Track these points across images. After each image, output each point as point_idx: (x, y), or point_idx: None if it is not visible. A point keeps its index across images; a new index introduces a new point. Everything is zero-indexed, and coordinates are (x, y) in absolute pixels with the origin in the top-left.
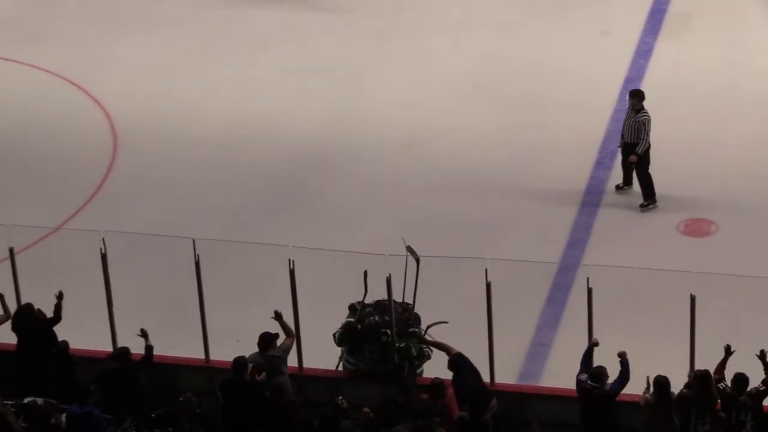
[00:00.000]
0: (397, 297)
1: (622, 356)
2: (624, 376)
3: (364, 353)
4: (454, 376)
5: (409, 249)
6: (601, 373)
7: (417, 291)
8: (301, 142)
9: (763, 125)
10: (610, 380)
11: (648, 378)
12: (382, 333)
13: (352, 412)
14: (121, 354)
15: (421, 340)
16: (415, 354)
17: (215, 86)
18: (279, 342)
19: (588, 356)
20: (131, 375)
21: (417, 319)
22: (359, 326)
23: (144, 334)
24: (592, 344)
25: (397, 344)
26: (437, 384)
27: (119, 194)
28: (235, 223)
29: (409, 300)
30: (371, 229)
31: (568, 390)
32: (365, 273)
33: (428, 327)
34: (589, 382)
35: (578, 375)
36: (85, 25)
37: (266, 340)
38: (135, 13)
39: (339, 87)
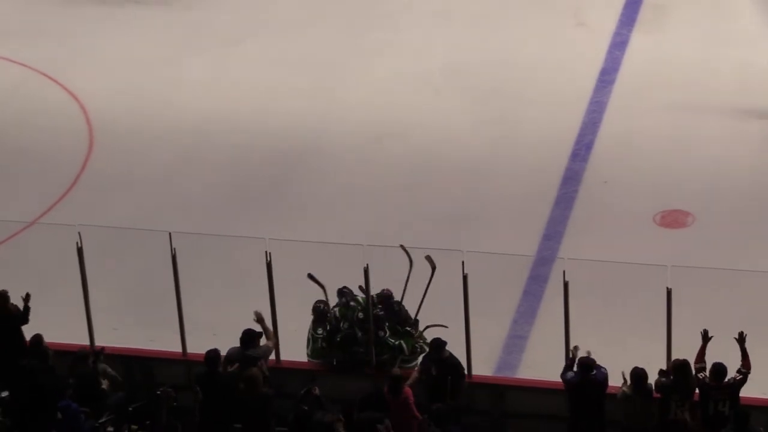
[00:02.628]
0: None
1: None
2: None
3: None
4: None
5: (403, 248)
6: (590, 363)
7: (406, 291)
8: (275, 136)
9: (739, 116)
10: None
11: (623, 373)
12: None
13: (327, 403)
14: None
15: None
16: (406, 353)
17: (190, 80)
18: (262, 342)
19: (570, 364)
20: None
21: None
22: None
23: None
24: (574, 353)
25: (392, 341)
26: (396, 377)
27: (95, 188)
28: (211, 217)
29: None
30: (347, 222)
31: (546, 382)
32: (310, 275)
33: (426, 328)
34: (578, 373)
35: (564, 375)
36: (61, 19)
37: (249, 337)
38: (111, 7)
39: (313, 80)
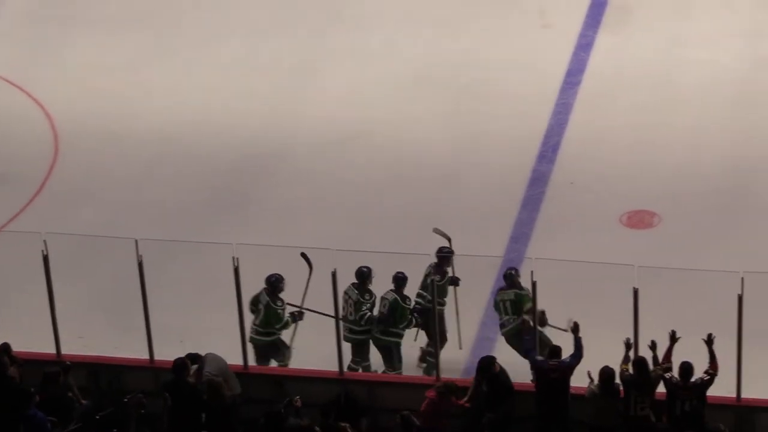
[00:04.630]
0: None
1: (575, 331)
2: (578, 352)
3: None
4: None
5: (438, 231)
6: (557, 349)
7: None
8: (243, 139)
9: (704, 116)
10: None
11: (589, 373)
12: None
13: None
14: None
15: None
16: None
17: (157, 84)
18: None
19: (530, 342)
20: None
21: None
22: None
23: None
24: (527, 327)
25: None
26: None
27: (61, 195)
28: (179, 223)
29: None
30: (315, 224)
31: (516, 384)
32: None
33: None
34: (546, 360)
35: (528, 356)
36: (25, 25)
37: (179, 367)
38: (75, 12)
39: (281, 83)
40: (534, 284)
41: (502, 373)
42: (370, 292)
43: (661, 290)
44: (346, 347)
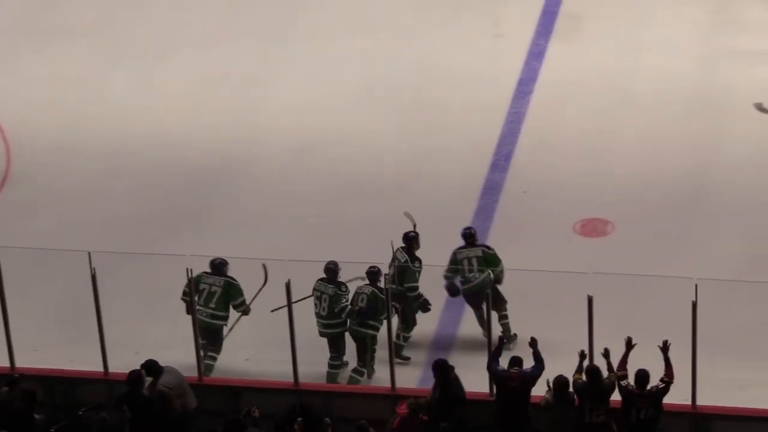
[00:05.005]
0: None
1: (534, 345)
2: (539, 363)
3: None
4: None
5: (407, 215)
6: (519, 359)
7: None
8: (197, 151)
9: (656, 124)
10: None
11: (548, 381)
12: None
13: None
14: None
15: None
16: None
17: (112, 97)
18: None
19: (497, 352)
20: None
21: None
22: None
23: None
24: (501, 341)
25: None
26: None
27: (13, 208)
28: (133, 234)
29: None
30: (269, 236)
31: (473, 393)
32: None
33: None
34: (508, 368)
35: (491, 367)
36: None
37: (133, 379)
38: (30, 24)
39: (235, 94)
40: (487, 295)
41: (456, 380)
42: (345, 285)
43: (616, 297)
44: (307, 354)
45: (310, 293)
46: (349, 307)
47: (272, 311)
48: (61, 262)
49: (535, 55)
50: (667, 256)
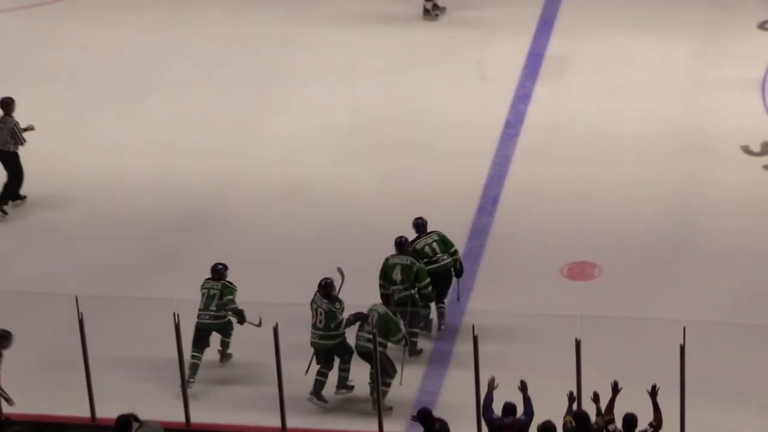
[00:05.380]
0: None
1: (524, 390)
2: (529, 409)
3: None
4: None
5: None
6: (512, 406)
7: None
8: (182, 194)
9: (642, 166)
10: None
11: (537, 426)
12: None
13: None
14: None
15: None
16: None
17: (95, 140)
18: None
19: (490, 398)
20: None
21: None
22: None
23: None
24: (491, 386)
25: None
26: None
27: (4, 248)
28: (119, 278)
29: None
30: (256, 280)
31: None
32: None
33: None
34: (502, 417)
35: (486, 416)
36: None
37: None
38: (12, 68)
39: (218, 138)
40: (476, 338)
41: (443, 427)
42: (339, 300)
43: (604, 341)
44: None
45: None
46: (345, 319)
47: (306, 373)
48: (48, 306)
49: (522, 97)
50: (655, 300)
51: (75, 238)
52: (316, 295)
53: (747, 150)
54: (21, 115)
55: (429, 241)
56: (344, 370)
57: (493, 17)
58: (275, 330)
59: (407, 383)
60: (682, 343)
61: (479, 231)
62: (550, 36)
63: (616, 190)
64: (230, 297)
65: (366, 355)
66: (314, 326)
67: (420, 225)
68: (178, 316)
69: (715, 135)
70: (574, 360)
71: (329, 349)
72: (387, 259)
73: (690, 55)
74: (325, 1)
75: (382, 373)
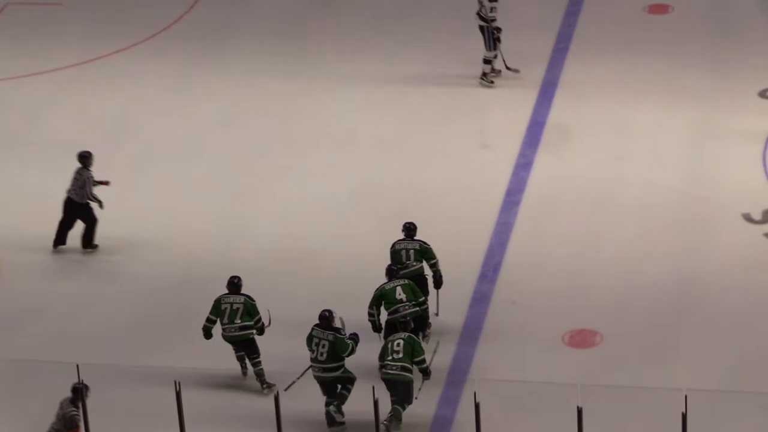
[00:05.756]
0: None
1: None
2: None
3: None
4: None
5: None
6: None
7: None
8: (181, 263)
9: (643, 235)
10: None
11: None
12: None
13: None
14: None
15: None
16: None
17: (95, 208)
18: None
19: None
20: None
21: None
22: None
23: None
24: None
25: None
26: None
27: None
28: (119, 347)
29: None
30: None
31: None
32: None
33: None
34: None
35: None
36: None
37: None
38: (13, 138)
39: (218, 206)
40: (477, 405)
41: None
42: (343, 329)
43: (606, 409)
44: None
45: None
46: (354, 345)
47: (286, 390)
48: (48, 374)
49: (523, 166)
50: (656, 367)
51: (74, 306)
52: (314, 329)
53: (748, 218)
54: (25, 183)
55: (409, 246)
56: (344, 395)
57: (494, 85)
58: (276, 399)
59: None
60: (684, 411)
61: (481, 298)
62: (551, 104)
63: (617, 258)
64: (259, 316)
65: (394, 383)
66: (315, 360)
67: (408, 229)
68: (179, 384)
69: (717, 203)
70: (576, 428)
71: (333, 380)
72: (394, 244)
73: (691, 123)
74: (324, 69)
75: (407, 400)
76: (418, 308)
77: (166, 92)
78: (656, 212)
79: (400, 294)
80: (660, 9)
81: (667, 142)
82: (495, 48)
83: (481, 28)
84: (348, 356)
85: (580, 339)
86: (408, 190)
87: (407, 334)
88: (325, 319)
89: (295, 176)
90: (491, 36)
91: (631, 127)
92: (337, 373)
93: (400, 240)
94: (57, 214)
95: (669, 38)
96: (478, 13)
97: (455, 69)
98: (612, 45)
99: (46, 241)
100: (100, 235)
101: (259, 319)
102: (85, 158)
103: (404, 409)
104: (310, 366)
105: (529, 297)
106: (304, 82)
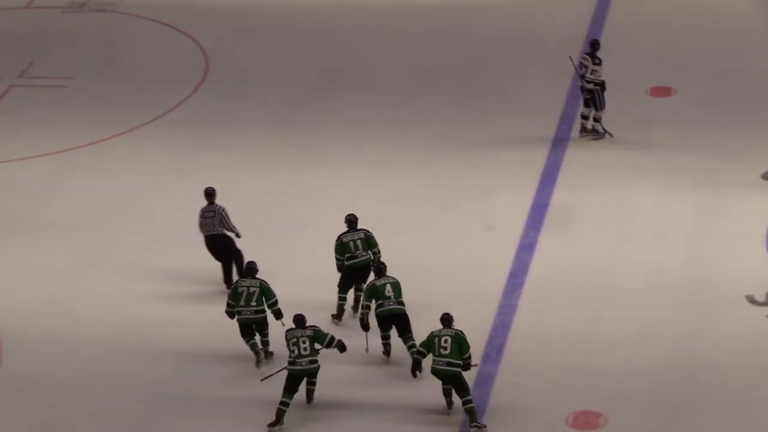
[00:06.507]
0: None
1: None
2: None
3: None
4: None
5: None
6: None
7: None
8: (181, 348)
9: (645, 317)
10: None
11: None
12: None
13: None
14: None
15: None
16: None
17: (100, 292)
18: None
19: None
20: None
21: None
22: None
23: None
24: None
25: None
26: None
27: (5, 398)
28: (122, 428)
29: None
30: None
31: None
32: None
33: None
34: None
35: None
36: None
37: None
38: (19, 219)
39: (217, 292)
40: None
41: None
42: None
43: None
44: None
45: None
46: (328, 335)
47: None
48: None
49: (526, 247)
50: None
51: (77, 387)
52: (289, 332)
53: (752, 300)
54: (30, 265)
55: (355, 237)
56: (313, 385)
57: (496, 167)
58: None
59: None
60: None
61: (484, 380)
62: (554, 186)
63: (620, 340)
64: (275, 299)
65: (447, 378)
66: (299, 356)
67: (351, 221)
68: None
69: (720, 285)
70: None
71: (314, 371)
72: (340, 237)
73: (694, 205)
74: (325, 151)
75: (466, 391)
76: (403, 306)
77: (170, 174)
78: (659, 294)
79: (389, 291)
80: (662, 91)
81: (670, 223)
82: (604, 107)
83: (587, 90)
84: (326, 347)
85: (584, 421)
86: (411, 270)
87: (454, 330)
88: (300, 321)
89: (298, 258)
90: (601, 95)
91: (634, 208)
92: (317, 363)
93: (345, 232)
94: (62, 294)
95: (671, 120)
96: (582, 77)
97: (457, 150)
98: (614, 127)
99: (50, 321)
100: (106, 316)
101: (276, 301)
102: (211, 195)
103: (471, 400)
104: (288, 366)
105: (533, 378)
106: (306, 164)
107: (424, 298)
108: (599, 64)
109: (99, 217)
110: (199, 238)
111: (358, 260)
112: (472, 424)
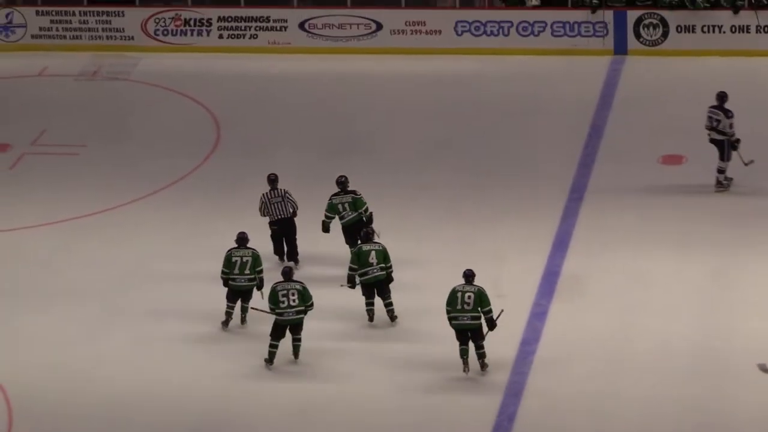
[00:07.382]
0: None
1: None
2: None
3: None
4: None
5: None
6: None
7: None
8: (195, 415)
9: (657, 385)
10: None
11: None
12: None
13: None
14: None
15: None
16: None
17: (107, 356)
18: None
19: None
20: None
21: None
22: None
23: None
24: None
25: None
26: None
27: None
28: None
29: None
30: None
31: None
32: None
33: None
34: None
35: None
36: None
37: None
38: (30, 285)
39: (233, 352)
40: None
41: None
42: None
43: None
44: None
45: None
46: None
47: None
48: None
49: (538, 315)
50: None
51: None
52: (279, 284)
53: (764, 368)
54: (41, 332)
55: (343, 200)
56: (299, 342)
57: (508, 234)
58: None
59: None
60: None
61: None
62: (566, 254)
63: (631, 408)
64: (261, 267)
65: (468, 331)
66: (289, 306)
67: (341, 183)
68: None
69: (731, 354)
70: None
71: (300, 321)
72: (331, 198)
73: (705, 273)
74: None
75: (482, 339)
76: (384, 272)
77: (181, 241)
78: (671, 363)
79: (372, 258)
80: (673, 159)
81: (682, 292)
82: (730, 158)
83: (717, 141)
84: (307, 308)
85: None
86: (423, 337)
87: (477, 287)
88: (287, 274)
89: (310, 323)
90: (729, 148)
91: (646, 277)
92: (304, 315)
93: (335, 194)
94: (74, 362)
95: (682, 188)
96: (713, 128)
97: (469, 216)
98: (626, 195)
99: (60, 387)
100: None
101: (262, 269)
102: (274, 181)
103: (483, 347)
104: (276, 314)
105: None
106: (318, 230)
107: (437, 364)
108: (732, 116)
109: (110, 284)
110: (210, 307)
111: (345, 220)
112: (483, 369)
